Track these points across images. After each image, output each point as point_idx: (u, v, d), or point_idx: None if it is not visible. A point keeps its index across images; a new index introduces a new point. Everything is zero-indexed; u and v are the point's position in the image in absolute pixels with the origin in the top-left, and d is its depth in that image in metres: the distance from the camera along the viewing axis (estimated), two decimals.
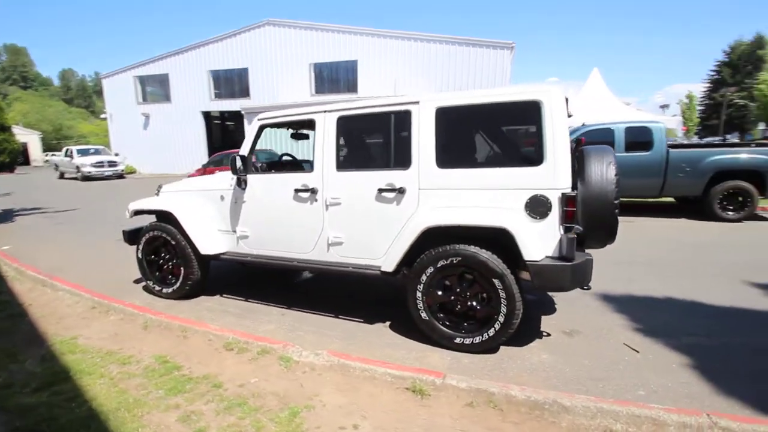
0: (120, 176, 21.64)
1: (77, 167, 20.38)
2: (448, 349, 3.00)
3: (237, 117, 24.39)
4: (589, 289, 2.87)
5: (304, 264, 3.57)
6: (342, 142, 3.32)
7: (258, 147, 3.84)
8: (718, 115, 36.85)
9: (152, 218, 4.38)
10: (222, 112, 26.19)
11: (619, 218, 2.99)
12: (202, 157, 23.73)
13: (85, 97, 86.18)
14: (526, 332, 3.19)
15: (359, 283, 4.57)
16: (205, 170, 13.06)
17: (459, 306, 2.98)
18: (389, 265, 3.13)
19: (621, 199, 3.11)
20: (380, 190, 3.14)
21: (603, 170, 2.92)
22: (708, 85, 42.55)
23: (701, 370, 2.71)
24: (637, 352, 2.99)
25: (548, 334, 3.27)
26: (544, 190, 2.71)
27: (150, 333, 3.33)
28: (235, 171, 3.60)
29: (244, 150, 3.70)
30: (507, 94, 2.85)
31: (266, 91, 22.22)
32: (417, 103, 3.04)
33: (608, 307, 3.81)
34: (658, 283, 4.39)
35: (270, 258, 3.73)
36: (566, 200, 2.65)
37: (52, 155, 32.86)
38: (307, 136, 4.67)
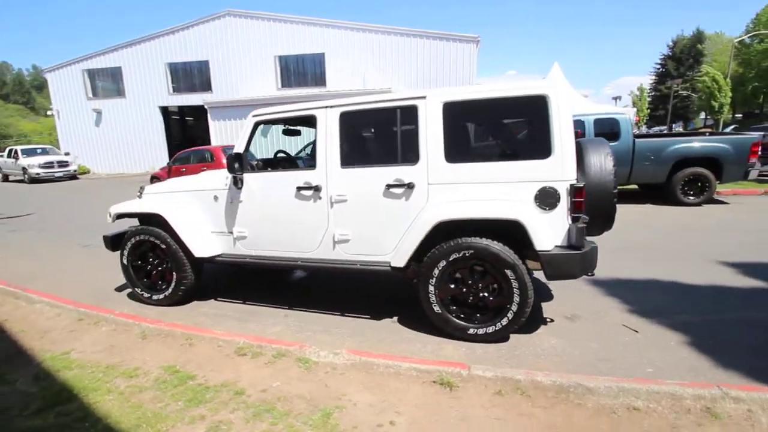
0: (73, 177, 20.25)
1: (23, 169, 18.87)
2: (461, 341, 3.05)
3: (197, 112, 23.41)
4: (593, 275, 3.01)
5: (308, 263, 3.50)
6: (346, 138, 3.27)
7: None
8: (664, 105, 39.33)
9: (132, 222, 4.15)
10: (181, 107, 25.03)
11: None
12: (162, 154, 22.68)
13: (22, 92, 79.55)
14: (530, 319, 3.27)
15: (357, 280, 4.55)
16: (171, 168, 12.44)
17: (471, 298, 3.04)
18: (399, 260, 3.13)
19: None
20: (388, 186, 3.13)
21: (602, 162, 3.06)
22: (654, 77, 45.26)
23: (697, 346, 2.91)
24: (636, 332, 3.17)
25: (551, 320, 3.40)
26: (552, 181, 2.80)
27: (150, 342, 3.16)
28: (232, 170, 3.46)
29: (240, 147, 3.56)
30: (514, 88, 2.91)
31: (229, 85, 21.47)
32: (423, 98, 3.04)
33: (599, 291, 4.00)
34: (639, 266, 4.65)
35: (271, 258, 3.63)
36: (575, 191, 2.76)
37: None
38: (299, 132, 4.57)
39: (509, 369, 2.49)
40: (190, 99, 22.38)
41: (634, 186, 9.49)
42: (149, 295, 4.01)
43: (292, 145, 6.50)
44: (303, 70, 21.12)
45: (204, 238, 3.78)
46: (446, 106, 2.99)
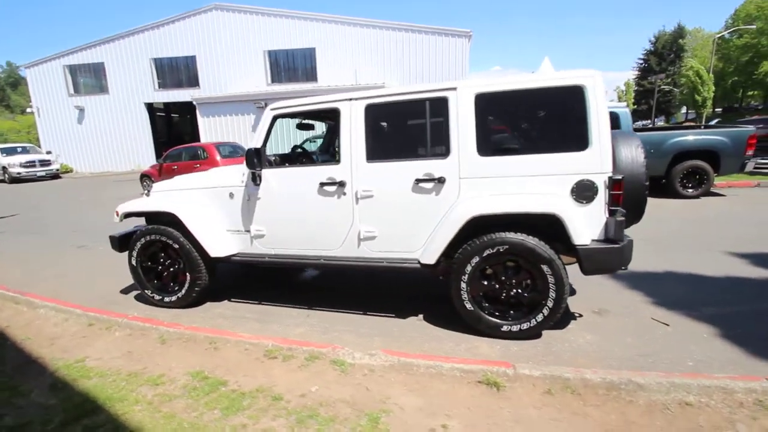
0: (55, 176, 19.61)
1: (4, 168, 18.20)
2: (494, 338, 2.99)
3: (184, 108, 22.93)
4: (626, 269, 2.96)
5: (331, 261, 3.39)
6: (371, 131, 3.16)
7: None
8: (647, 100, 40.02)
9: (133, 222, 3.98)
10: (167, 104, 24.44)
11: None
12: (148, 152, 22.15)
13: None
14: None
15: (372, 277, 4.45)
16: (162, 166, 12.10)
17: (504, 294, 2.97)
18: (429, 257, 3.04)
19: None
20: (417, 181, 3.04)
21: (633, 154, 3.02)
22: (637, 72, 45.98)
23: (729, 337, 2.90)
24: (667, 325, 3.15)
25: (580, 315, 3.36)
26: (590, 174, 2.74)
27: (171, 347, 3.01)
28: (252, 165, 3.31)
29: (258, 142, 3.42)
30: (550, 79, 2.84)
31: (218, 80, 21.02)
32: (454, 89, 2.95)
33: (621, 285, 3.99)
34: (653, 258, 4.66)
35: (291, 257, 3.50)
36: (613, 184, 2.71)
37: None
38: (313, 127, 4.43)
39: (556, 367, 2.43)
40: (177, 95, 21.84)
41: None
42: (160, 297, 3.84)
43: (291, 142, 6.35)
44: (293, 65, 20.80)
45: (219, 237, 3.63)
46: (478, 97, 2.90)
